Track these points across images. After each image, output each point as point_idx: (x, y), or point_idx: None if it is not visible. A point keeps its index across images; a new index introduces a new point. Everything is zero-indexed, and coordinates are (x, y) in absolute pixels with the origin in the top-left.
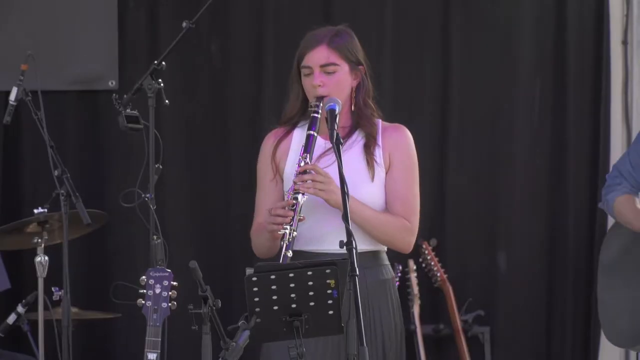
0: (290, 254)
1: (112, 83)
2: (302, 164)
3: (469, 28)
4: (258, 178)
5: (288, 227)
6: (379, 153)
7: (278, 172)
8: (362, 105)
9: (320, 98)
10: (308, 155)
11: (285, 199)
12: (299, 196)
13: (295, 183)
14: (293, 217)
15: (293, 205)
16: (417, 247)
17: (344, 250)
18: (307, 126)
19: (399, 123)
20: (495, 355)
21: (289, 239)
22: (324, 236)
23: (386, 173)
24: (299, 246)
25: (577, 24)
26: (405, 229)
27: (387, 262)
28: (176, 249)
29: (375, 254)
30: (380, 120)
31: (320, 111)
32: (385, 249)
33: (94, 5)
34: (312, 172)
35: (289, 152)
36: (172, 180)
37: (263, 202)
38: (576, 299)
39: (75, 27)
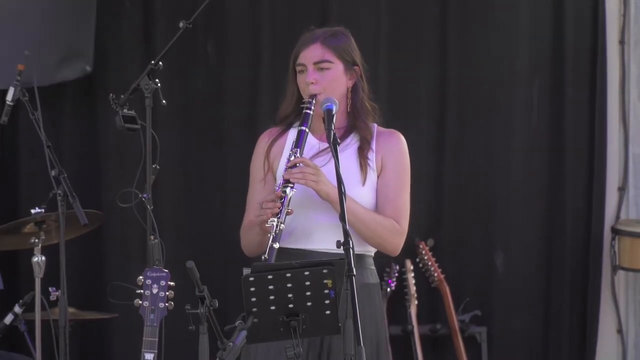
0: (276, 245)
1: (87, 68)
2: (292, 158)
3: (466, 28)
4: (251, 176)
5: (275, 219)
6: (371, 157)
7: (271, 171)
8: (358, 106)
9: (313, 95)
10: (298, 150)
11: (275, 192)
12: (288, 189)
13: (284, 177)
14: (281, 210)
15: (282, 199)
16: (414, 247)
17: (333, 249)
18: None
19: (396, 122)
20: (492, 355)
21: (276, 231)
22: (313, 233)
23: (378, 177)
24: (288, 244)
25: (574, 23)
26: (395, 231)
27: (372, 266)
28: (173, 249)
29: (360, 257)
30: (375, 125)
31: (312, 108)
32: (372, 253)
33: None
34: (301, 164)
35: (283, 151)
36: (169, 180)
37: (254, 200)
38: (573, 299)
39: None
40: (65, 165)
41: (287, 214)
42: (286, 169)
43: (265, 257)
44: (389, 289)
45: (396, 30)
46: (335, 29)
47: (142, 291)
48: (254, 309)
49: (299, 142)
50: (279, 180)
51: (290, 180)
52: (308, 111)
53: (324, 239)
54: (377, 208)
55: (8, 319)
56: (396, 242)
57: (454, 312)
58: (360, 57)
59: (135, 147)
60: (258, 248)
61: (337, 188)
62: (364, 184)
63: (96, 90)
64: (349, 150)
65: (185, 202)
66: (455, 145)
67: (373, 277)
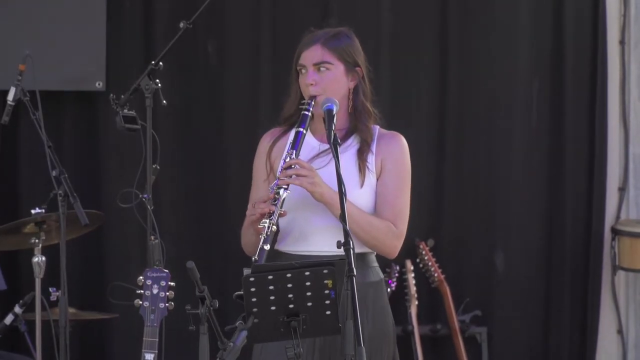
0: (267, 247)
1: (99, 84)
2: (288, 159)
3: (466, 28)
4: (253, 177)
5: (267, 220)
6: (371, 159)
7: (272, 172)
8: (360, 108)
9: (312, 97)
10: (295, 152)
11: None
12: (282, 191)
13: (279, 178)
14: (273, 211)
15: (275, 200)
16: (415, 247)
17: (331, 251)
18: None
19: (396, 122)
20: (492, 355)
21: (267, 232)
22: (311, 235)
23: (377, 179)
24: (286, 246)
25: (574, 24)
26: (392, 233)
27: (375, 264)
28: (173, 250)
29: (362, 256)
30: (377, 127)
31: (311, 109)
32: (375, 252)
33: (82, 5)
34: (297, 166)
35: (283, 152)
36: (169, 180)
37: (255, 201)
38: (573, 299)
39: (64, 26)
40: (66, 165)
41: (280, 215)
42: (281, 170)
43: (255, 259)
44: (389, 289)
45: (396, 30)
46: (338, 29)
47: (142, 291)
48: (255, 309)
49: (296, 144)
50: (276, 181)
51: (283, 184)
52: (306, 112)
53: (321, 241)
54: (376, 210)
55: (8, 319)
56: (393, 244)
57: (454, 312)
58: (364, 58)
59: (135, 147)
60: (253, 248)
61: (332, 190)
62: (362, 186)
63: (96, 90)
64: (348, 153)
65: (185, 202)
66: (456, 145)
67: (375, 275)
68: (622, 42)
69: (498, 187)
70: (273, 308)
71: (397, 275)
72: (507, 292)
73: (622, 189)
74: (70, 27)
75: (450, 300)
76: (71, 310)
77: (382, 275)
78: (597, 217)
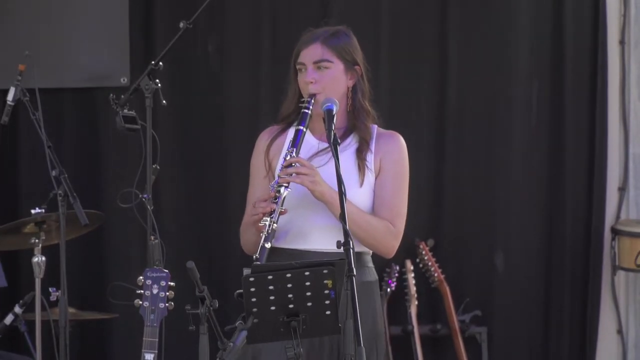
0: (268, 245)
1: (124, 80)
2: (288, 157)
3: (465, 29)
4: (251, 174)
5: (268, 219)
6: (370, 158)
7: (270, 170)
8: (358, 107)
9: (312, 95)
10: (295, 150)
11: (270, 192)
12: (282, 189)
13: (279, 177)
14: (274, 210)
15: (276, 198)
16: (414, 247)
17: (329, 249)
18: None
19: (396, 122)
20: (492, 355)
21: (268, 230)
22: (310, 233)
23: (376, 178)
24: (284, 244)
25: (574, 24)
26: (390, 233)
27: (371, 264)
28: (173, 250)
29: (359, 256)
30: (375, 126)
31: (311, 107)
32: (371, 251)
33: (105, 1)
34: (297, 164)
35: (282, 150)
36: (169, 180)
37: (253, 199)
38: (573, 299)
39: (87, 23)
40: (66, 165)
41: (281, 213)
42: (282, 169)
43: (256, 257)
44: (389, 289)
45: (396, 30)
46: (337, 28)
47: (142, 291)
48: (254, 309)
49: (296, 142)
50: (276, 180)
51: (284, 183)
52: (306, 110)
53: (320, 239)
54: (374, 209)
55: (8, 319)
56: (390, 244)
57: (454, 312)
58: (363, 57)
59: (135, 147)
60: (254, 247)
61: (332, 189)
62: (361, 185)
63: (96, 90)
64: (347, 152)
65: (185, 202)
66: (456, 145)
67: (371, 275)
68: (622, 42)
69: (498, 187)
70: (273, 308)
71: (397, 275)
72: (507, 292)
73: (622, 189)
74: (94, 24)
75: (450, 300)
76: (71, 310)
77: (376, 276)
78: (597, 217)
